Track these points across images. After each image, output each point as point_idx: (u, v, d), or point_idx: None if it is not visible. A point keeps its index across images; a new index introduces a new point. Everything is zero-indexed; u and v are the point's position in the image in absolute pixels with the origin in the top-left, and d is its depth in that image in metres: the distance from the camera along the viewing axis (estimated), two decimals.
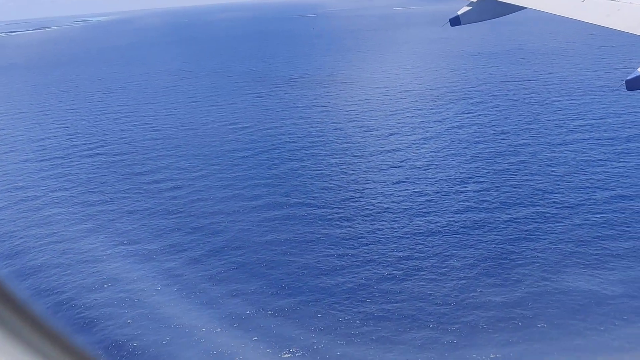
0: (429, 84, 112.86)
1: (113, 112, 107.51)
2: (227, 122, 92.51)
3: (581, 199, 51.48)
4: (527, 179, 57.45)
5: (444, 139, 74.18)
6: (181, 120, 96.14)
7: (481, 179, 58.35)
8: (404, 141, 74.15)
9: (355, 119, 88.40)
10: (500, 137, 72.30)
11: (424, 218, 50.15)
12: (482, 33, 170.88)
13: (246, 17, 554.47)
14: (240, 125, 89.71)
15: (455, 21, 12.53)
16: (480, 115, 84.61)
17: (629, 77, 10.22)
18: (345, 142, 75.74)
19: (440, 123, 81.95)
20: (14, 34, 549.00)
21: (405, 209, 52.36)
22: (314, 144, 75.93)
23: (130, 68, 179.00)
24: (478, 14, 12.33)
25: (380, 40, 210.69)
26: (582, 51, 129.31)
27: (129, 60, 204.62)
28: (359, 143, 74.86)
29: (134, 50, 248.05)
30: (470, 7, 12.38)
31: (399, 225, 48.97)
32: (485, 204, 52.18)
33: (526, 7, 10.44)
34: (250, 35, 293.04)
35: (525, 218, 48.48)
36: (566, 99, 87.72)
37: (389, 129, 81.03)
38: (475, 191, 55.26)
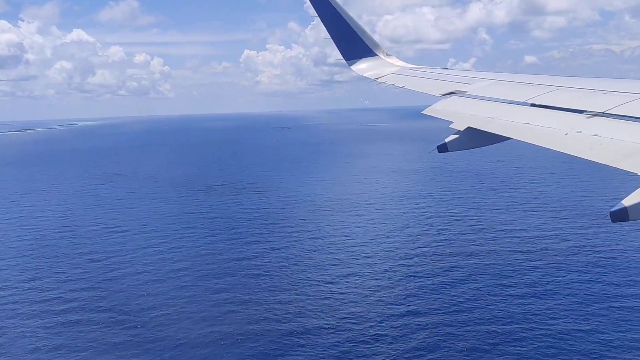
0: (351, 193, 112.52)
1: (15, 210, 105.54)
2: (106, 225, 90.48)
3: None
4: None
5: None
6: (62, 223, 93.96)
7: None
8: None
9: (239, 227, 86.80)
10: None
11: None
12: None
13: (224, 127, 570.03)
14: (115, 229, 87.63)
15: (443, 148, 12.64)
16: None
17: (613, 209, 9.82)
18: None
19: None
20: None
21: None
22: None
23: (71, 170, 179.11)
24: (465, 142, 12.58)
25: (326, 152, 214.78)
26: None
27: (76, 163, 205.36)
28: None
29: (86, 154, 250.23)
30: (458, 136, 12.55)
31: None
32: None
33: (511, 138, 10.84)
34: (211, 144, 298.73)
35: None
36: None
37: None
38: None
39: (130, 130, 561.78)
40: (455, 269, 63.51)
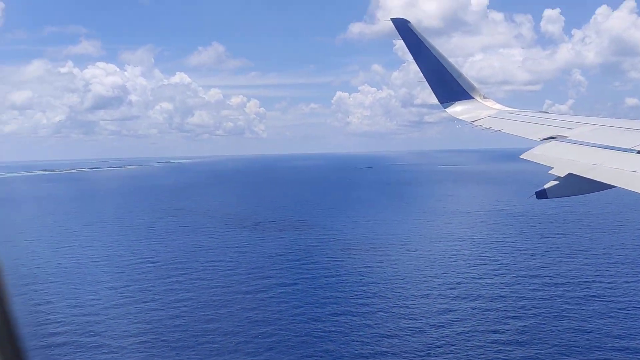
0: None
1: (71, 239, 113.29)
2: (139, 256, 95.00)
3: None
4: None
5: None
6: (102, 252, 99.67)
7: None
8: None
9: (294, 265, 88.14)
10: None
11: None
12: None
13: (307, 166, 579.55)
14: (149, 260, 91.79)
15: (542, 194, 12.62)
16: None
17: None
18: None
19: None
20: (93, 169, 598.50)
21: None
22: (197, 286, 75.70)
23: (142, 203, 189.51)
24: (565, 189, 12.37)
25: (390, 192, 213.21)
26: None
27: (150, 197, 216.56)
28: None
29: (164, 189, 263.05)
30: (558, 182, 12.39)
31: None
32: None
33: (616, 186, 10.51)
34: (284, 182, 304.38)
35: None
36: None
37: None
38: None
39: (217, 167, 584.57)
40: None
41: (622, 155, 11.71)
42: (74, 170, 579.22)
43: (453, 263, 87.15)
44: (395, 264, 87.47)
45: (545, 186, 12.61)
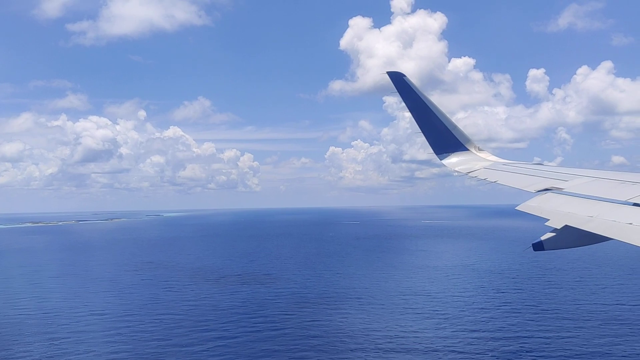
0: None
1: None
2: (90, 309, 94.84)
3: None
4: None
5: None
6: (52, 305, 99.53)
7: None
8: None
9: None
10: None
11: None
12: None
13: (296, 220, 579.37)
14: (98, 312, 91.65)
15: (539, 246, 12.48)
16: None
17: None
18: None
19: None
20: (80, 222, 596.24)
21: None
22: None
23: (113, 257, 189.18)
24: (562, 241, 12.31)
25: (367, 247, 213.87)
26: None
27: (124, 250, 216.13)
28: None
29: (140, 243, 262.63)
30: (554, 234, 12.37)
31: None
32: None
33: (612, 239, 10.44)
34: (267, 236, 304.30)
35: None
36: None
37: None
38: None
39: (205, 221, 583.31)
40: None
41: (618, 207, 11.70)
42: (60, 223, 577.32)
43: (400, 317, 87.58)
44: (343, 318, 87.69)
45: (542, 238, 12.55)
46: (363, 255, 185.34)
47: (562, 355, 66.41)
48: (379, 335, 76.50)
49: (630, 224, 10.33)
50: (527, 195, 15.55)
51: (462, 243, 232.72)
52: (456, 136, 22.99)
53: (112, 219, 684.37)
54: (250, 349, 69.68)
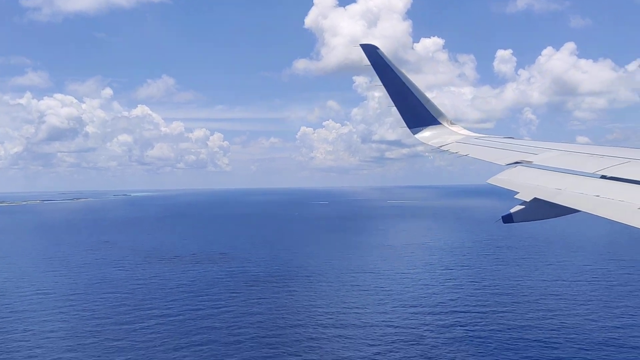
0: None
1: None
2: (37, 289, 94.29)
3: None
4: None
5: None
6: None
7: None
8: None
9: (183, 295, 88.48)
10: None
11: None
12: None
13: (265, 200, 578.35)
14: (44, 292, 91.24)
15: (508, 219, 12.57)
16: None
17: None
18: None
19: None
20: (46, 202, 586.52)
21: None
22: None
23: (73, 236, 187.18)
24: (531, 214, 12.41)
25: (327, 227, 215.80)
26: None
27: (84, 230, 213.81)
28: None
29: (102, 222, 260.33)
30: (523, 207, 12.44)
31: None
32: None
33: (580, 210, 10.51)
34: (231, 217, 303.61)
35: None
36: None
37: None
38: None
39: (172, 201, 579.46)
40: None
41: (586, 180, 11.90)
42: (24, 203, 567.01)
43: (345, 294, 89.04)
44: (290, 296, 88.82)
45: (512, 210, 12.65)
46: (323, 235, 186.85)
47: (494, 329, 68.54)
48: (320, 311, 77.88)
49: (597, 196, 10.50)
50: (497, 171, 15.66)
51: (422, 222, 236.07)
52: (429, 110, 23.11)
53: (77, 199, 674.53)
54: (189, 327, 70.19)
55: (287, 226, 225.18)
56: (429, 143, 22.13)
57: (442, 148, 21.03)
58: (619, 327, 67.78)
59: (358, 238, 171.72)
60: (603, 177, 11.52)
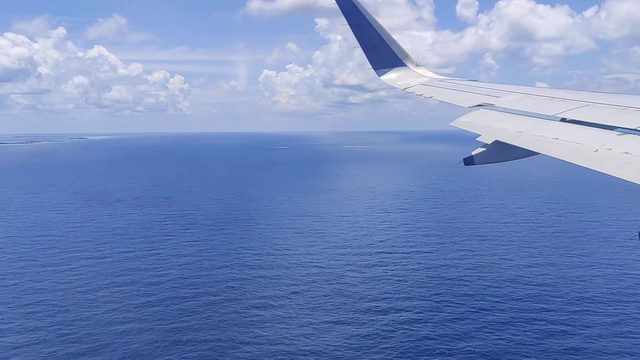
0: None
1: None
2: None
3: None
4: None
5: None
6: None
7: None
8: None
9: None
10: None
11: None
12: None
13: (224, 145, 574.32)
14: None
15: (469, 161, 12.74)
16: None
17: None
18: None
19: None
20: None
21: None
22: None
23: (23, 179, 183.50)
24: (492, 156, 12.61)
25: (279, 171, 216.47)
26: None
27: (37, 173, 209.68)
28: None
29: (55, 166, 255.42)
30: (485, 149, 12.62)
31: None
32: None
33: (540, 153, 10.71)
34: (187, 161, 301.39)
35: None
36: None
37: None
38: None
39: (129, 145, 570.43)
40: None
41: (546, 122, 11.96)
42: None
43: (278, 236, 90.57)
44: (224, 238, 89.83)
45: (473, 153, 12.82)
46: (274, 178, 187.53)
47: (412, 269, 71.02)
48: (250, 253, 79.23)
49: (557, 138, 10.70)
50: (460, 115, 15.66)
51: (377, 168, 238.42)
52: (394, 51, 22.75)
53: (32, 142, 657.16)
54: (114, 269, 70.68)
55: (240, 171, 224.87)
56: (394, 85, 22.14)
57: (407, 90, 21.03)
58: (530, 266, 71.15)
59: (308, 182, 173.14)
60: (563, 119, 11.65)
